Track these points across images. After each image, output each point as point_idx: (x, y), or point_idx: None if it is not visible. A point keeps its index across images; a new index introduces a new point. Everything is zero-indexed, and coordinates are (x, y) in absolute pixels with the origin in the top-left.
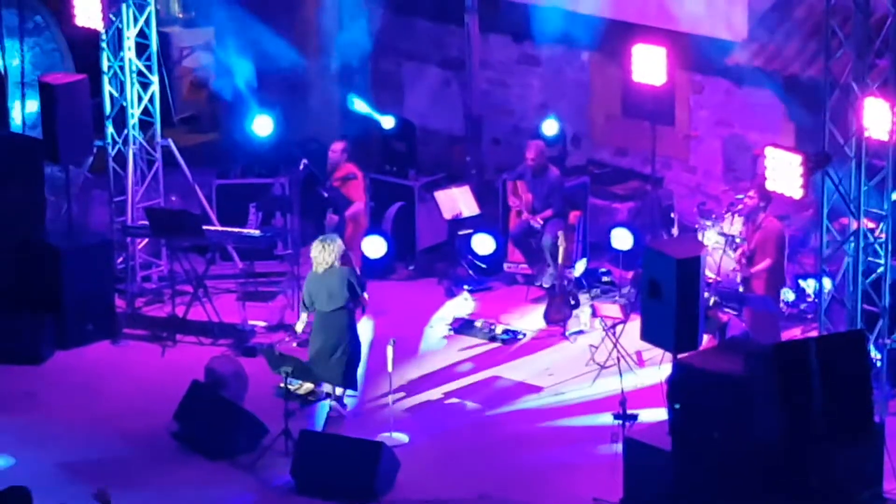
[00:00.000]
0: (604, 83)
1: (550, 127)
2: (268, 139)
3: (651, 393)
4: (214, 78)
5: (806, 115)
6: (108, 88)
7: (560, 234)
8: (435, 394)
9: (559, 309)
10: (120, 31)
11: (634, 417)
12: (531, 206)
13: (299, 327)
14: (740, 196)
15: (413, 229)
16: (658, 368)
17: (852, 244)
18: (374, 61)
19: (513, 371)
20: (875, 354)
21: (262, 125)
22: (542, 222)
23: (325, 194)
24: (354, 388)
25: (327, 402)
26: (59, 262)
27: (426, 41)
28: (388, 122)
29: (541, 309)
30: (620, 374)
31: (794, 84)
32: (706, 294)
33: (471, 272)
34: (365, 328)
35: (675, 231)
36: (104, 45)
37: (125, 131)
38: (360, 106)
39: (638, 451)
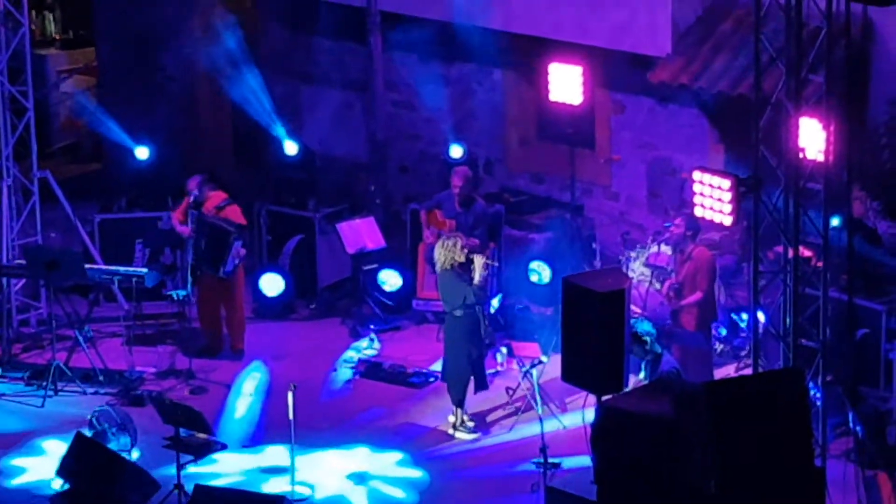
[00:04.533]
0: (518, 104)
1: (457, 152)
2: (152, 168)
3: (574, 438)
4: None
5: (736, 136)
6: None
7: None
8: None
9: None
10: None
11: (557, 465)
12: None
13: None
14: (667, 224)
15: (314, 265)
16: (581, 412)
17: (788, 274)
18: (269, 83)
19: (424, 417)
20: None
21: (142, 152)
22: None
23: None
24: (455, 402)
25: None
26: None
27: (326, 61)
28: (291, 147)
29: None
30: (541, 419)
31: (723, 102)
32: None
33: (377, 310)
34: (261, 374)
35: (597, 263)
36: None
37: None
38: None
39: (560, 502)
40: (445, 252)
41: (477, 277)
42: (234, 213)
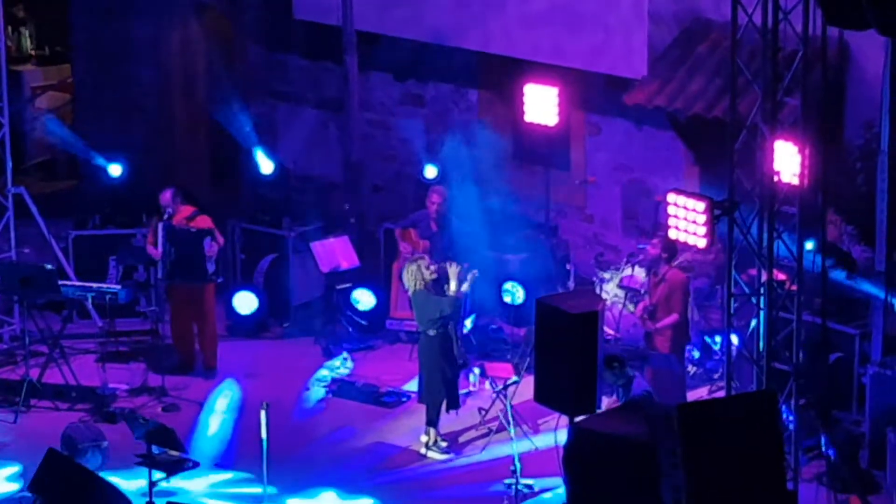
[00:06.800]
0: (494, 124)
1: (431, 171)
2: (127, 185)
3: (546, 459)
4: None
5: (711, 159)
6: None
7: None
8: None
9: None
10: None
11: (529, 486)
12: (429, 252)
13: None
14: (641, 246)
15: (287, 283)
16: (554, 433)
17: (761, 297)
18: (245, 102)
19: (397, 436)
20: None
21: (115, 170)
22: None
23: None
24: (429, 422)
25: None
26: None
27: (302, 80)
28: (267, 166)
29: None
30: (513, 440)
31: (698, 125)
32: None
33: (350, 330)
34: (233, 392)
35: (570, 284)
36: None
37: None
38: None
39: None
40: (414, 274)
41: (454, 285)
42: (205, 222)
